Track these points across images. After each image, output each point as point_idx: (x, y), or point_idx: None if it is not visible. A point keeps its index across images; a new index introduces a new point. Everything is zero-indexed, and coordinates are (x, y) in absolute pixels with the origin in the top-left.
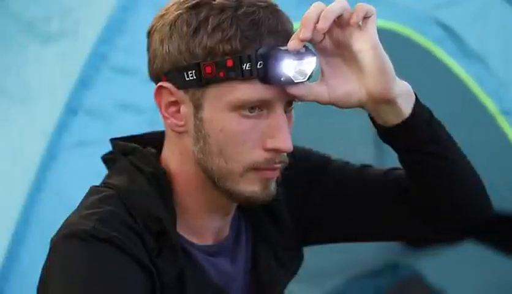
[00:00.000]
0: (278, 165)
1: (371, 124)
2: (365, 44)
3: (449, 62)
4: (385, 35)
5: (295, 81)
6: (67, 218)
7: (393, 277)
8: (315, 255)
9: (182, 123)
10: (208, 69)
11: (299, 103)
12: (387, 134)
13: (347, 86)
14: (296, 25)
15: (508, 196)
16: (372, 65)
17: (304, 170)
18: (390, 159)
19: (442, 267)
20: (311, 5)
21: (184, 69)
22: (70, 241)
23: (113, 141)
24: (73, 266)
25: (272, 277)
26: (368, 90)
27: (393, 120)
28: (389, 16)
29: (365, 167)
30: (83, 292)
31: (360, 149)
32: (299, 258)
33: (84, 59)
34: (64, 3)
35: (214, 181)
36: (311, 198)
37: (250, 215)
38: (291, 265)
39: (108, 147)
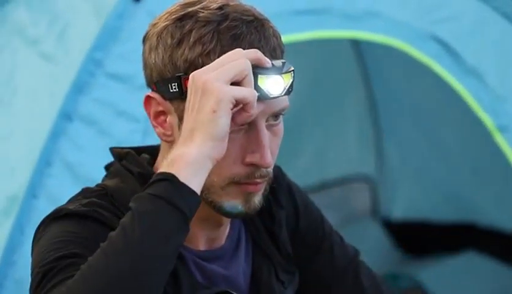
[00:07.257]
0: (260, 180)
1: (372, 128)
2: None
3: (446, 77)
4: (382, 51)
5: (270, 97)
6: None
7: (393, 287)
8: None
9: (169, 133)
10: (188, 82)
11: (299, 109)
12: None
13: None
14: (288, 38)
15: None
16: None
17: (293, 204)
18: (390, 163)
19: (442, 277)
20: (308, 15)
21: (168, 81)
22: (53, 220)
23: (112, 149)
24: (54, 232)
25: (273, 292)
26: None
27: None
28: (386, 31)
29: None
30: (58, 247)
31: (359, 153)
32: (295, 282)
33: (74, 64)
34: (52, 7)
35: None
36: (298, 233)
37: (251, 230)
38: (290, 285)
39: (103, 154)
